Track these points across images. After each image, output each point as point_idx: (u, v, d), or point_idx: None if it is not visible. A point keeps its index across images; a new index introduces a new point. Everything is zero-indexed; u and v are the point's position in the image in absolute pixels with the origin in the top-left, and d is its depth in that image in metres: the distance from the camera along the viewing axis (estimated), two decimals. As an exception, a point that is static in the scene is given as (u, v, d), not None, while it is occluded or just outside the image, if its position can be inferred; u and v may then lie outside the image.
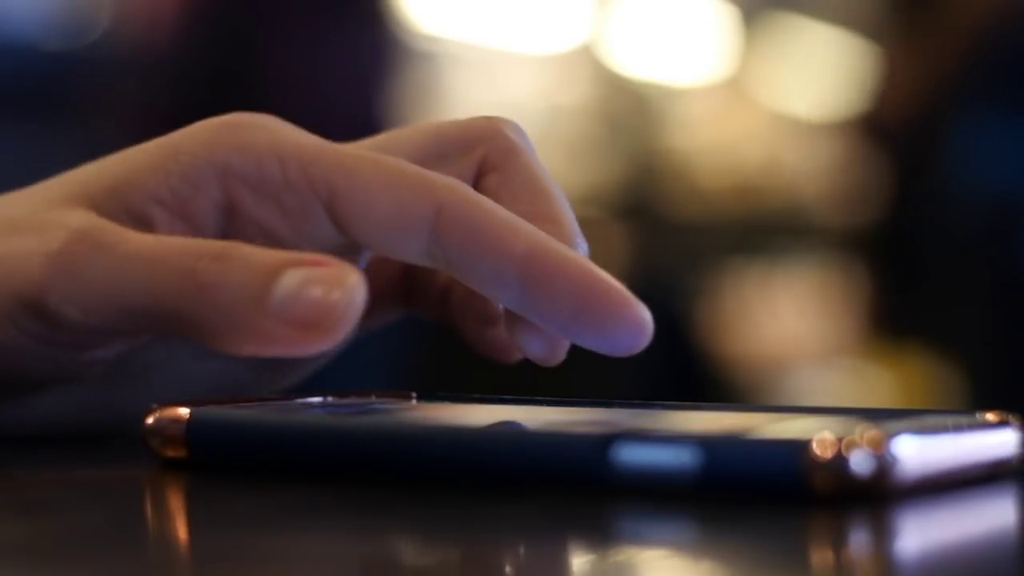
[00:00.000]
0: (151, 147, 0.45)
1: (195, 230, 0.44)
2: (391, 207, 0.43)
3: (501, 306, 0.45)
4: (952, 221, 2.18)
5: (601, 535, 0.34)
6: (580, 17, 2.77)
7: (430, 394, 0.46)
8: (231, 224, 0.44)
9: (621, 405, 0.43)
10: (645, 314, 0.42)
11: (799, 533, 0.33)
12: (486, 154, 0.46)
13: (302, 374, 0.51)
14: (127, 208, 0.44)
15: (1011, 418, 0.39)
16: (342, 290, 0.40)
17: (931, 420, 0.37)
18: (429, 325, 0.52)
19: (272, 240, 0.44)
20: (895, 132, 2.33)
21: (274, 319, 0.40)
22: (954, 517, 0.35)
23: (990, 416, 0.39)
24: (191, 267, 0.41)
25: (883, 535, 0.34)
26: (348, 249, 0.44)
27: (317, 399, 0.45)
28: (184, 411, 0.41)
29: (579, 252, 0.44)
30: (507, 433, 0.39)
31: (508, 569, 0.30)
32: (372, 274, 0.47)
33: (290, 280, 0.40)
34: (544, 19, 2.75)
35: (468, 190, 0.43)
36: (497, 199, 0.44)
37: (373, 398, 0.46)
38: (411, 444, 0.39)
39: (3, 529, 0.34)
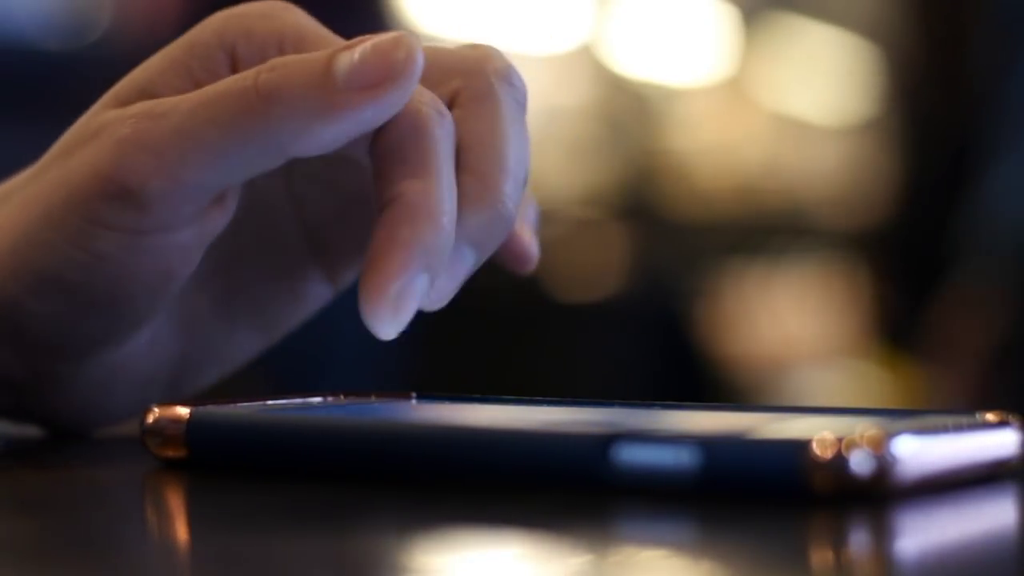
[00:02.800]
0: (169, 49, 0.46)
1: None
2: None
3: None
4: (953, 220, 2.18)
5: (601, 535, 0.34)
6: (580, 17, 2.77)
7: (430, 394, 0.46)
8: None
9: (621, 405, 0.43)
10: (389, 306, 0.41)
11: (799, 533, 0.33)
12: (460, 88, 0.45)
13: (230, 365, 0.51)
14: None
15: (1011, 418, 0.39)
16: (398, 43, 0.41)
17: (931, 420, 0.37)
18: (429, 325, 0.52)
19: None
20: (901, 130, 2.34)
21: (344, 92, 0.41)
22: (954, 517, 0.35)
23: (990, 416, 0.39)
24: (249, 86, 0.42)
25: (883, 535, 0.34)
26: None
27: (317, 399, 0.45)
28: (184, 411, 0.41)
29: (494, 212, 0.43)
30: (507, 433, 0.39)
31: (508, 569, 0.30)
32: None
33: (347, 56, 0.42)
34: (544, 19, 2.75)
35: (434, 111, 0.43)
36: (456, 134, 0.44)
37: (373, 398, 0.46)
38: (411, 444, 0.39)
39: (4, 528, 0.34)
